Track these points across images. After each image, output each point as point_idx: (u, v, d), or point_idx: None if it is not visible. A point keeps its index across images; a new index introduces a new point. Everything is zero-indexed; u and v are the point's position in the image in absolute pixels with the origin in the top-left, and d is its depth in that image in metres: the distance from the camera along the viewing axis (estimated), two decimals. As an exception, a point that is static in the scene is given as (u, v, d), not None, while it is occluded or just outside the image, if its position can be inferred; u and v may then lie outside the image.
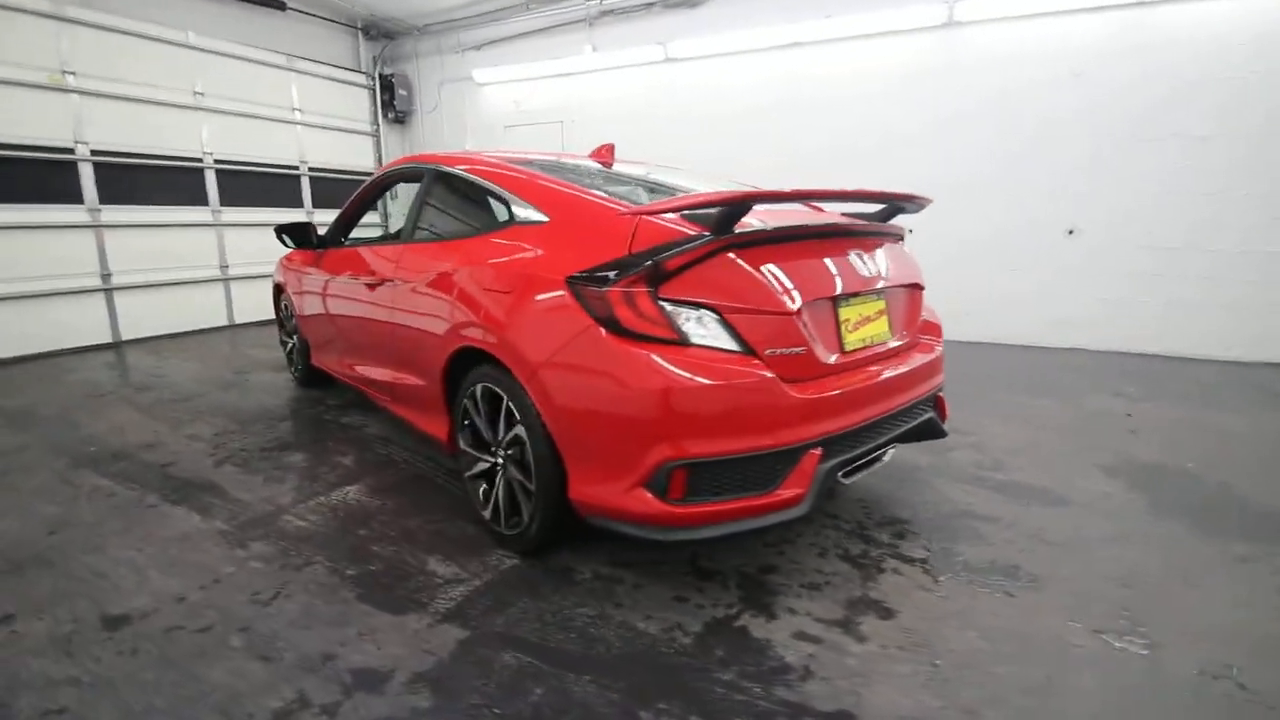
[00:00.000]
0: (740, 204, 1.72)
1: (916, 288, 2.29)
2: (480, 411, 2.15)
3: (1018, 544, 2.24)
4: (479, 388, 2.12)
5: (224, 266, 6.57)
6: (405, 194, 3.25)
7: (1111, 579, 2.03)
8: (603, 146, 3.13)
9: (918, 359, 2.19)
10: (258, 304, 6.85)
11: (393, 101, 8.11)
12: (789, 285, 1.79)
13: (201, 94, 6.19)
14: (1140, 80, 4.89)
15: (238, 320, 6.74)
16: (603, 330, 1.68)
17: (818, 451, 1.76)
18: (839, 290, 1.91)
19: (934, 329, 2.40)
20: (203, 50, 6.16)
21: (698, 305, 1.70)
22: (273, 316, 4.65)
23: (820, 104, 5.95)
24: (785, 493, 1.72)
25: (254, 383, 4.41)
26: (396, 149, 8.51)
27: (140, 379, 4.54)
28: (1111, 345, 5.27)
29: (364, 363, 3.13)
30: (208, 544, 2.22)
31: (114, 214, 5.62)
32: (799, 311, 1.78)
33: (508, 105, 7.76)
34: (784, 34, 5.91)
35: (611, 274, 1.70)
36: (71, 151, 5.32)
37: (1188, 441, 3.27)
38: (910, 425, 2.13)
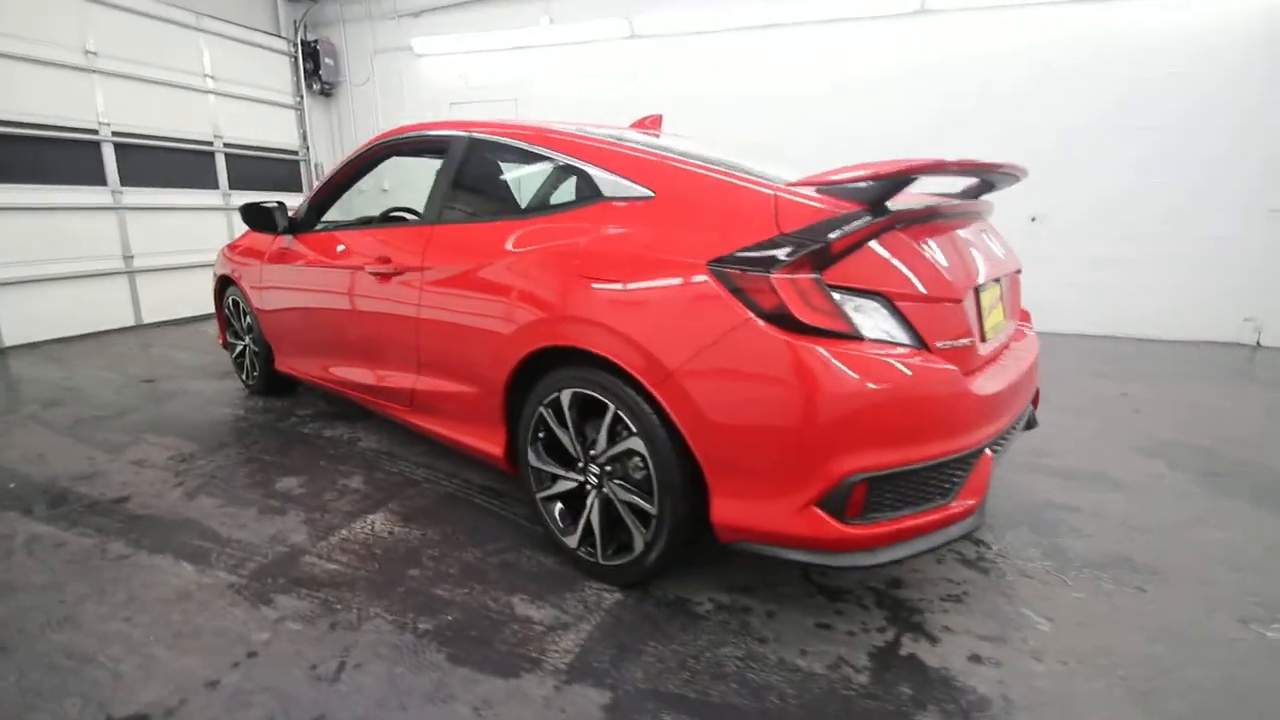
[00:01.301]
0: (904, 176, 1.49)
1: (1018, 271, 2.17)
2: (566, 422, 1.82)
3: (1113, 534, 2.19)
4: (565, 394, 1.79)
5: (128, 257, 5.64)
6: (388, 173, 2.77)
7: (1220, 563, 2.01)
8: (648, 117, 2.81)
9: (1031, 345, 2.07)
10: (169, 300, 5.97)
11: (318, 71, 7.29)
12: (953, 268, 1.59)
13: (94, 53, 5.24)
14: (1106, 74, 5.11)
15: (146, 319, 5.83)
16: (767, 324, 1.42)
17: (990, 454, 1.59)
18: (982, 275, 1.74)
19: (1027, 315, 2.30)
20: None
21: (868, 293, 1.47)
22: (203, 314, 3.99)
23: (799, 90, 5.84)
24: (960, 504, 1.53)
25: (196, 392, 3.76)
26: (322, 123, 7.68)
27: (45, 392, 3.76)
28: (1072, 328, 5.53)
29: (363, 367, 2.67)
30: (219, 603, 1.77)
31: (-14, 194, 4.66)
32: (967, 298, 1.59)
33: (452, 80, 7.16)
34: (760, 13, 5.75)
35: (780, 254, 1.43)
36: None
37: (1191, 419, 3.41)
38: (1026, 417, 2.01)
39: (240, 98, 6.58)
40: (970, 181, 2.10)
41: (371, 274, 2.44)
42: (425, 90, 7.29)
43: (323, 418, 3.30)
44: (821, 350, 1.39)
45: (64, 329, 5.21)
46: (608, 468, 1.78)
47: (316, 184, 2.93)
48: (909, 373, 1.42)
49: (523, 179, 2.31)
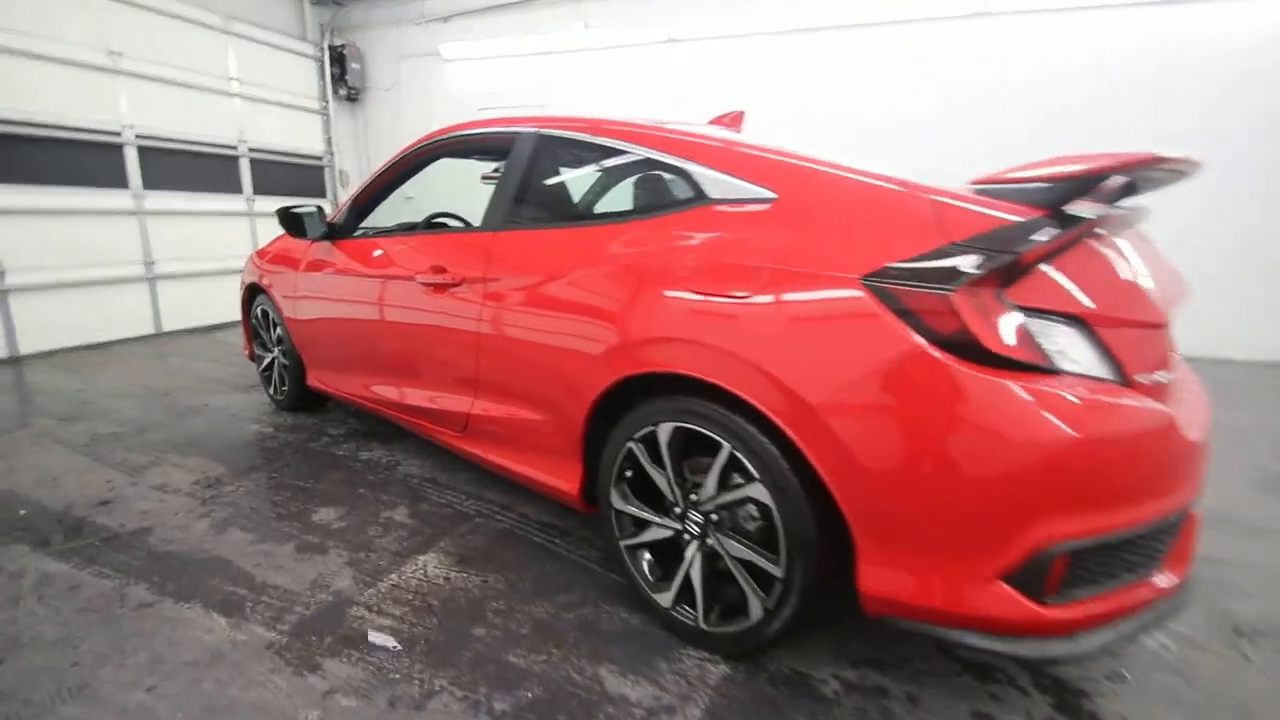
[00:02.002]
0: (1094, 177, 1.23)
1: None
2: (664, 461, 1.56)
3: (1277, 591, 1.90)
4: (666, 428, 1.53)
5: (149, 263, 5.45)
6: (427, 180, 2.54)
7: None
8: (728, 114, 2.57)
9: (1188, 375, 1.79)
10: (190, 307, 5.77)
11: (344, 76, 7.14)
12: (1152, 285, 1.33)
13: (119, 54, 5.08)
14: (1189, 81, 4.83)
15: (167, 328, 5.63)
16: (944, 353, 1.15)
17: (1196, 513, 1.31)
18: (1177, 292, 1.47)
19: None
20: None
21: (1060, 316, 1.20)
22: (222, 322, 3.77)
23: (839, 91, 5.60)
24: (1165, 577, 1.26)
25: (219, 408, 3.52)
26: (347, 129, 7.52)
27: (60, 405, 3.54)
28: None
29: (409, 386, 2.42)
30: (257, 668, 1.51)
31: (6, 197, 4.47)
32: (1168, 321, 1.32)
33: (481, 86, 6.98)
34: (798, 17, 5.52)
35: (962, 267, 1.17)
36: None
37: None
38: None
39: (265, 102, 6.41)
40: (1117, 185, 1.84)
41: (423, 285, 2.20)
42: (453, 95, 7.11)
43: (357, 437, 3.05)
44: (1016, 387, 1.12)
45: (81, 337, 5.01)
46: (714, 516, 1.51)
47: (357, 187, 2.70)
48: (1121, 415, 1.15)
49: (602, 180, 2.07)
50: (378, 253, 2.54)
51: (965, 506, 1.16)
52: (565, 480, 1.85)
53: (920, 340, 1.17)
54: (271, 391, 3.49)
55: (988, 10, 5.13)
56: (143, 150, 5.30)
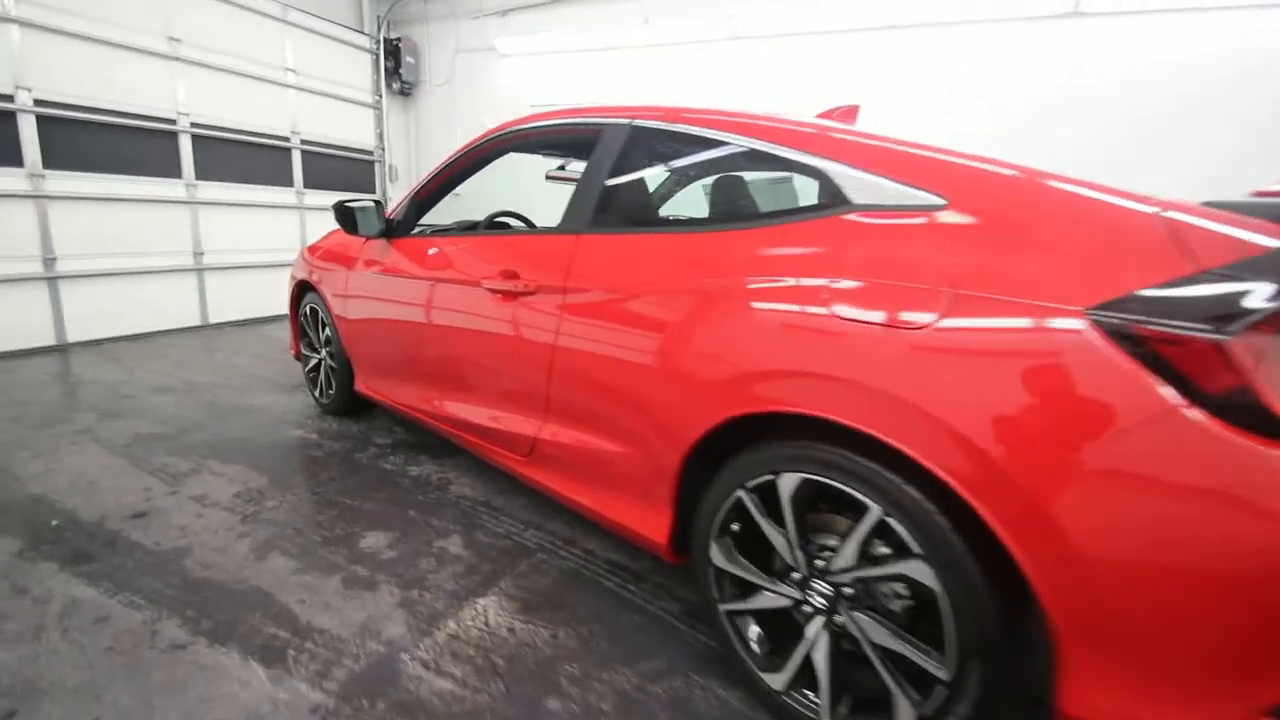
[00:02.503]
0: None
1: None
2: (784, 518, 1.29)
3: None
4: (790, 480, 1.27)
5: (198, 254, 5.39)
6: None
7: None
8: (840, 108, 2.29)
9: None
10: (236, 300, 5.71)
11: (398, 70, 7.04)
12: None
13: (178, 40, 5.02)
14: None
15: (213, 320, 5.57)
16: (1207, 416, 0.86)
17: None
18: None
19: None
20: (180, -14, 5.00)
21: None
22: (267, 316, 3.62)
23: (923, 91, 5.26)
24: None
25: (261, 408, 3.37)
26: (399, 124, 7.43)
27: (102, 399, 3.43)
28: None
29: (468, 401, 2.20)
30: (300, 738, 1.29)
31: (60, 183, 4.42)
32: None
33: (536, 82, 6.81)
34: (875, 14, 5.20)
35: (1246, 301, 0.88)
36: (11, 100, 4.12)
37: None
38: None
39: (320, 94, 6.33)
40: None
41: (491, 291, 1.97)
42: (507, 91, 6.95)
43: (404, 449, 2.85)
44: (1309, 465, 0.83)
45: (128, 327, 4.96)
46: (847, 589, 1.24)
47: (418, 182, 2.50)
48: None
49: (711, 180, 1.82)
50: (438, 253, 2.33)
51: (1235, 616, 0.87)
52: (650, 525, 1.60)
53: (1173, 396, 0.88)
54: (317, 394, 3.33)
55: (1080, 10, 4.74)
56: (197, 139, 5.24)
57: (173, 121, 5.08)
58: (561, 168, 3.04)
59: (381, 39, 6.96)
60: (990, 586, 1.05)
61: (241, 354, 4.63)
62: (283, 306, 3.59)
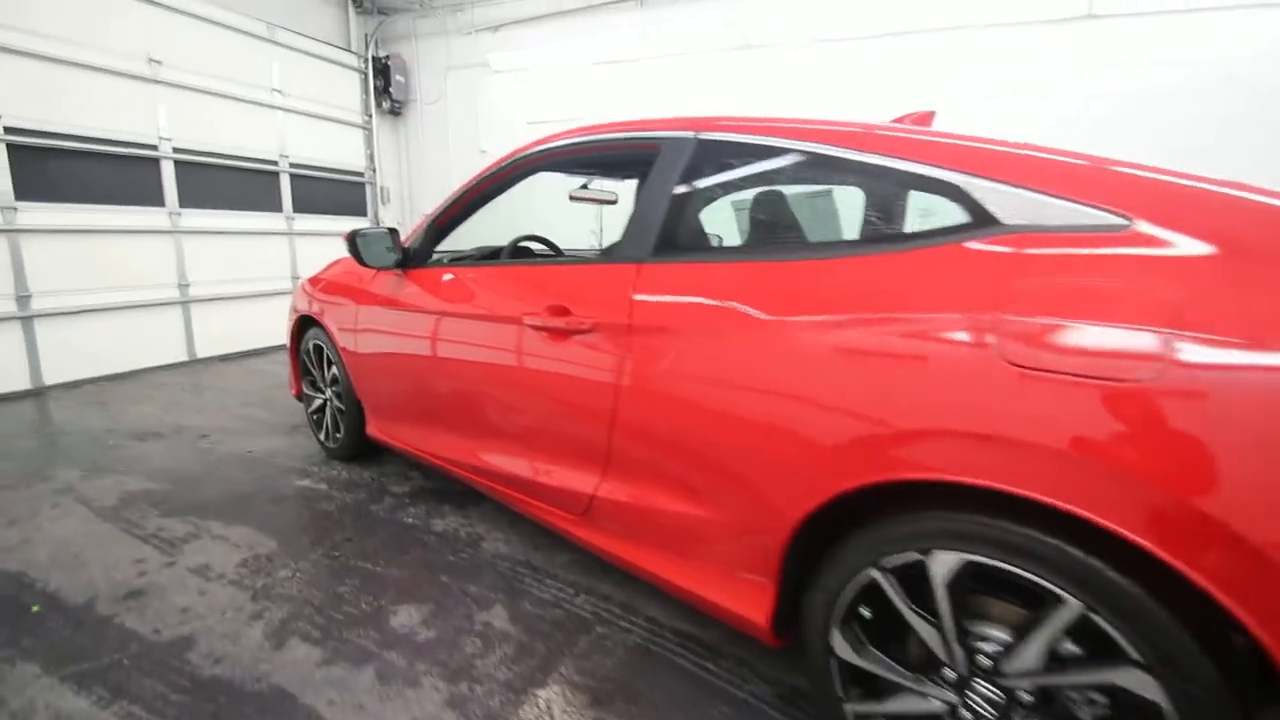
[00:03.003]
0: None
1: None
2: (940, 607, 1.07)
3: None
4: (946, 560, 1.04)
5: (183, 285, 5.10)
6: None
7: None
8: (915, 113, 2.09)
9: None
10: (225, 333, 5.40)
11: (388, 89, 6.82)
12: None
13: (159, 62, 4.76)
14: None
15: (200, 355, 5.26)
16: None
17: None
18: None
19: None
20: (159, 4, 4.74)
21: None
22: (258, 348, 3.37)
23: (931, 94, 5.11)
24: None
25: (261, 456, 3.10)
26: (390, 144, 7.19)
27: (86, 450, 3.13)
28: None
29: (508, 452, 1.96)
30: None
31: (33, 215, 4.13)
32: None
33: (531, 98, 6.61)
34: (892, 20, 5.07)
35: None
36: (-26, 127, 3.83)
37: None
38: None
39: (308, 115, 6.09)
40: None
41: (536, 328, 1.74)
42: (501, 108, 6.74)
43: (425, 498, 2.59)
44: None
45: (110, 365, 4.65)
46: (1024, 694, 1.02)
47: (437, 206, 2.28)
48: None
49: (805, 199, 1.61)
50: (465, 285, 2.10)
51: None
52: (746, 602, 1.37)
53: None
54: (322, 437, 3.06)
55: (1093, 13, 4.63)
56: (179, 165, 4.97)
57: (154, 147, 4.80)
58: (584, 187, 2.83)
59: (370, 57, 6.74)
60: (1238, 700, 0.83)
61: (233, 392, 4.34)
62: (275, 338, 3.36)
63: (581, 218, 5.62)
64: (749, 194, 1.84)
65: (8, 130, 3.94)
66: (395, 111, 7.09)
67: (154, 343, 4.94)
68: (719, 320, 1.36)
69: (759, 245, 1.86)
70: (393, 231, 2.31)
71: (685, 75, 5.88)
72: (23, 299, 4.11)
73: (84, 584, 1.96)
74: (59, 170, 4.24)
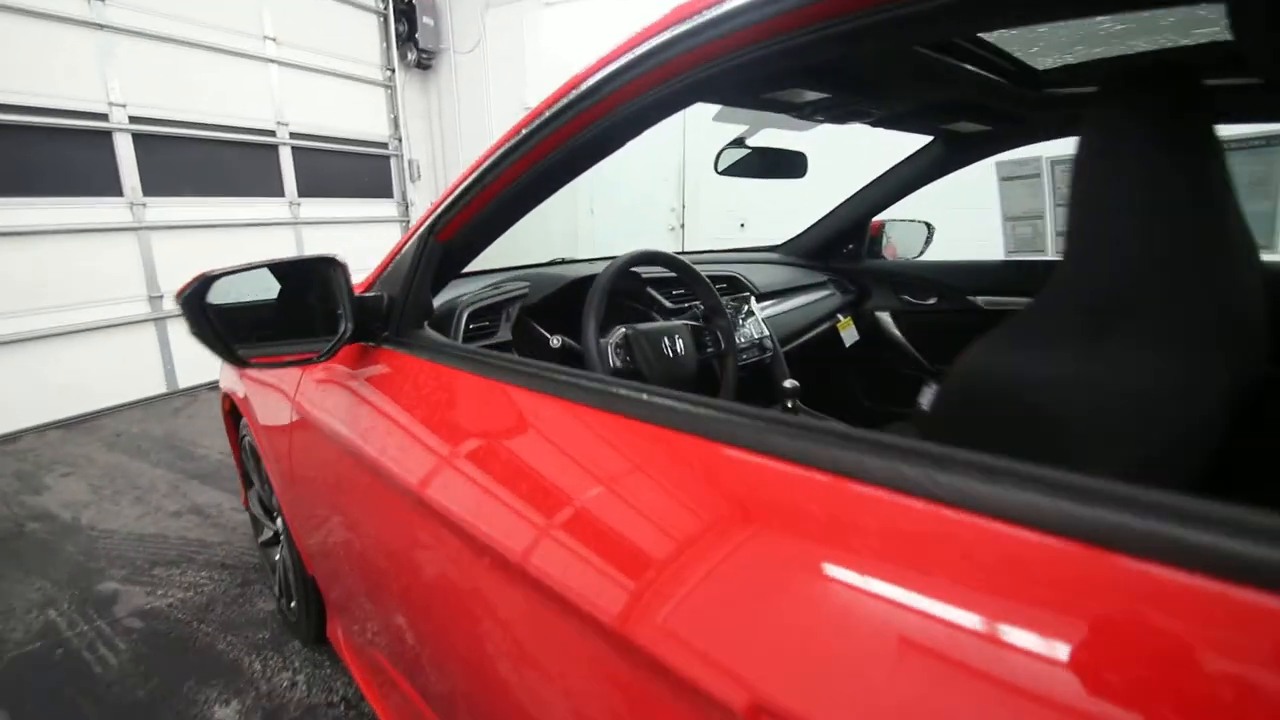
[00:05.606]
0: None
1: None
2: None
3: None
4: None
5: (155, 297, 3.96)
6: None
7: None
8: None
9: None
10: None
11: (413, 35, 5.47)
12: None
13: (104, 2, 3.54)
14: None
15: (183, 384, 4.14)
16: None
17: None
18: None
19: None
20: (99, -78, 3.50)
21: None
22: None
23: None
24: None
25: (181, 621, 1.87)
26: (418, 106, 5.87)
27: (12, 605, 1.98)
28: None
29: None
30: None
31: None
32: None
33: (591, 38, 5.15)
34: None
35: None
36: None
37: None
38: None
39: (313, 69, 4.81)
40: None
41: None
42: (552, 53, 5.32)
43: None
44: None
45: (60, 409, 3.56)
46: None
47: (442, 196, 0.87)
48: None
49: None
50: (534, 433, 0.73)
51: None
52: None
53: None
54: (278, 595, 1.81)
55: None
56: (139, 139, 3.77)
57: (104, 117, 3.61)
58: (740, 141, 1.42)
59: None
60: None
61: (194, 455, 3.16)
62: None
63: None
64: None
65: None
66: (424, 64, 5.74)
67: (120, 373, 3.82)
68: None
69: None
70: (331, 263, 0.96)
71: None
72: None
73: None
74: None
